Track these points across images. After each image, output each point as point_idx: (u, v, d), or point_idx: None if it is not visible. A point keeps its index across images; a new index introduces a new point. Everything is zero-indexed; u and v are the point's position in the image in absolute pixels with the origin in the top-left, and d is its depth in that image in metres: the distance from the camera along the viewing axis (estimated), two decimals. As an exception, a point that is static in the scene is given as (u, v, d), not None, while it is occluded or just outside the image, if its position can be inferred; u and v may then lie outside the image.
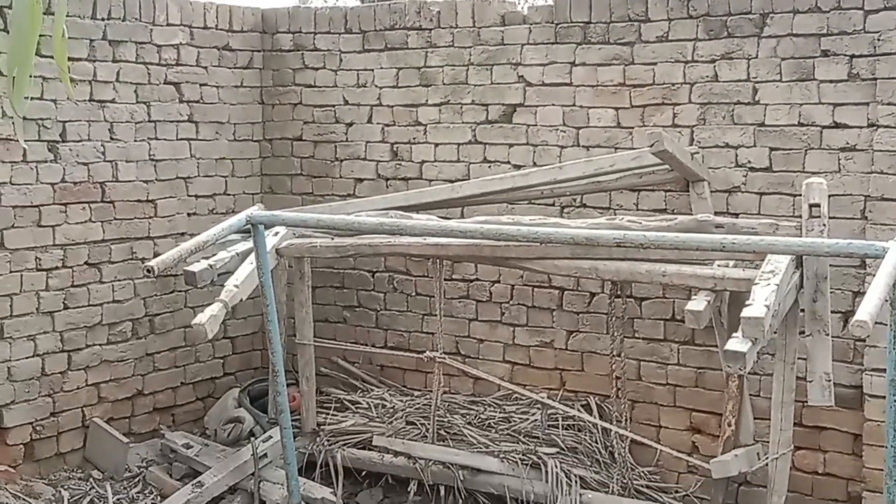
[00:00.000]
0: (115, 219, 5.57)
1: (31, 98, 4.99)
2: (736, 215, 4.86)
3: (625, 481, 4.92)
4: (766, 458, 4.49)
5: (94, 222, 5.48)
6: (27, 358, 5.23)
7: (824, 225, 4.20)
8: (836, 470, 4.79)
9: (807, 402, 4.40)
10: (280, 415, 4.66)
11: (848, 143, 4.67)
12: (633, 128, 5.20)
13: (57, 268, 5.33)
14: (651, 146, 4.55)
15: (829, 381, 4.23)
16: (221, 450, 5.43)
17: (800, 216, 4.38)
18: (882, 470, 3.60)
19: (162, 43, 5.71)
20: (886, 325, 3.49)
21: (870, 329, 2.98)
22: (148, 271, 4.14)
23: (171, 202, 5.84)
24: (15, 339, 5.17)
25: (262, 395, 5.86)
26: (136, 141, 5.64)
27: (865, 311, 3.12)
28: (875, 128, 4.57)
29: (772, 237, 4.03)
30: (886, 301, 3.48)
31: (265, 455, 5.14)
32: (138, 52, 5.60)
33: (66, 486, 5.23)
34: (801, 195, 4.37)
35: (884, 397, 3.95)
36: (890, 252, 3.28)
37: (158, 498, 5.18)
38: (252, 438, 5.39)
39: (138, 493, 5.27)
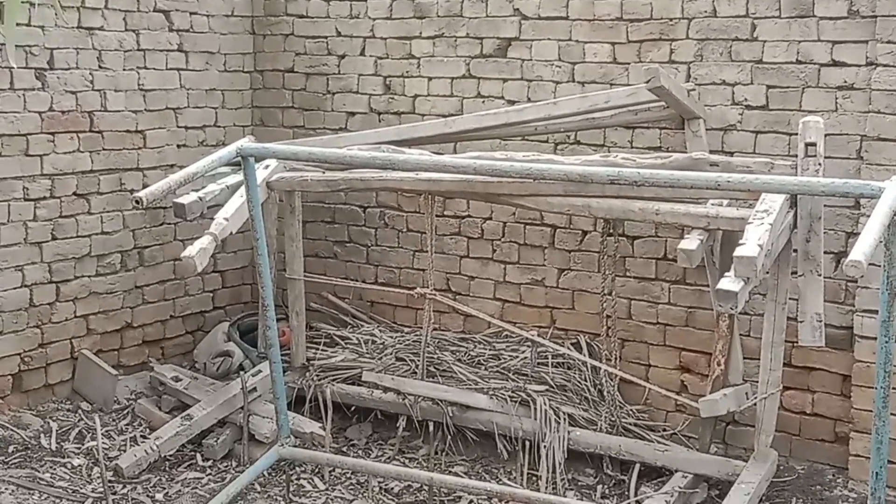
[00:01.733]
0: (104, 149, 5.50)
1: (19, 24, 4.90)
2: (731, 154, 4.81)
3: (613, 419, 4.92)
4: (755, 398, 4.50)
5: (83, 152, 5.42)
6: (15, 289, 5.20)
7: (819, 164, 4.16)
8: (824, 410, 4.80)
9: (797, 342, 4.40)
10: (269, 349, 4.65)
11: (846, 82, 4.61)
12: (629, 63, 5.12)
13: (45, 198, 5.28)
14: (647, 82, 4.49)
15: (820, 321, 4.22)
16: (210, 383, 5.43)
17: (795, 155, 4.34)
18: (870, 411, 3.60)
19: (151, -32, 5.61)
20: (879, 266, 3.46)
21: (863, 269, 2.95)
22: (136, 202, 4.09)
23: (160, 133, 5.77)
24: (2, 269, 5.14)
25: (251, 330, 5.84)
26: (124, 70, 5.55)
27: (860, 250, 3.09)
28: (874, 66, 4.51)
29: (766, 176, 3.98)
30: (880, 242, 3.45)
31: (254, 389, 5.13)
32: (127, -23, 5.50)
33: (54, 418, 5.23)
34: (797, 134, 4.33)
35: (874, 339, 3.94)
36: (885, 192, 3.24)
37: (147, 430, 5.18)
38: (241, 372, 5.39)
39: (127, 426, 5.27)
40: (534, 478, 4.78)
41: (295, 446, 4.80)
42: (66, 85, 5.31)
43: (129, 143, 5.62)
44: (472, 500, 4.66)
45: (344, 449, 5.18)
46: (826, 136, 4.32)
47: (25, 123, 5.16)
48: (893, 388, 3.85)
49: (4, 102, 5.06)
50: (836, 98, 4.63)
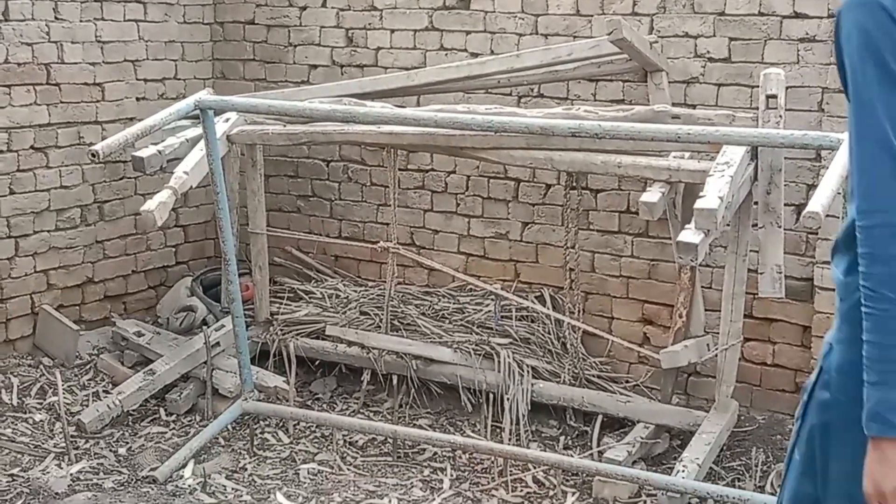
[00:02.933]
0: (62, 102, 5.42)
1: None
2: (693, 107, 4.81)
3: (576, 371, 4.95)
4: (716, 350, 4.54)
5: (40, 105, 5.33)
6: (-28, 244, 5.15)
7: (780, 116, 4.17)
8: (784, 361, 4.85)
9: (758, 294, 4.43)
10: (232, 304, 4.63)
11: (807, 34, 4.61)
12: (592, 16, 5.10)
13: (2, 151, 5.20)
14: (609, 34, 4.47)
15: (781, 273, 4.25)
16: (173, 338, 5.41)
17: (757, 108, 4.35)
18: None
19: (108, -83, 5.51)
20: (838, 217, 3.50)
21: (821, 220, 2.98)
22: (93, 155, 4.06)
23: (119, 86, 5.69)
24: (-41, 224, 5.08)
25: (215, 285, 5.81)
26: (81, 21, 5.45)
27: (817, 202, 3.12)
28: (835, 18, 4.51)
29: (727, 128, 3.99)
30: (838, 193, 3.48)
31: (217, 343, 5.11)
32: (83, -74, 5.40)
33: (15, 373, 5.19)
34: (758, 87, 4.33)
35: (833, 290, 3.98)
36: (843, 144, 3.26)
37: (110, 385, 5.16)
38: (204, 327, 5.37)
39: (89, 381, 5.25)
40: (498, 430, 4.81)
41: (259, 400, 4.80)
42: (22, 36, 5.21)
43: (87, 96, 5.53)
44: (435, 453, 4.69)
45: (308, 403, 5.19)
46: (788, 88, 4.32)
47: (-20, 76, 5.08)
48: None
49: (-42, 54, 4.98)
50: (798, 50, 4.63)
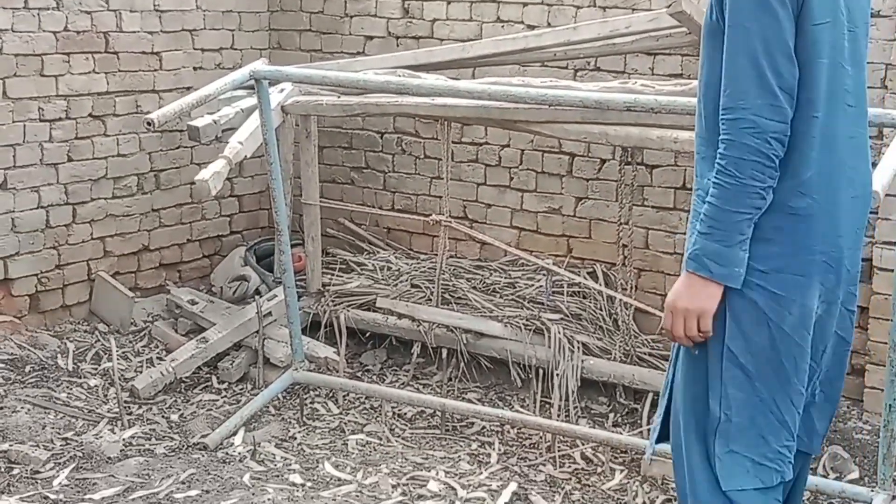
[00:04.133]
0: (120, 70, 5.47)
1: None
2: (753, 82, 4.71)
3: (627, 349, 4.91)
4: (770, 329, 4.46)
5: (98, 73, 5.38)
6: (31, 209, 5.20)
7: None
8: (840, 343, 4.76)
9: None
10: (284, 274, 4.65)
11: (872, 9, 4.48)
12: (651, -12, 5.02)
13: (60, 119, 5.26)
14: (668, 7, 4.40)
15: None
16: (226, 307, 5.45)
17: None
18: (886, 343, 3.57)
19: None
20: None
21: (881, 200, 2.91)
22: (148, 124, 4.08)
23: (176, 55, 5.72)
24: (18, 189, 5.14)
25: (268, 255, 5.84)
26: (140, -10, 5.51)
27: (878, 182, 3.05)
28: (903, -7, 4.40)
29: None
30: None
31: (269, 313, 5.14)
32: None
33: (71, 339, 5.27)
34: (821, 62, 4.23)
35: (892, 270, 3.90)
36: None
37: (164, 352, 5.22)
38: (257, 297, 5.40)
39: (143, 347, 5.31)
40: (547, 405, 4.79)
41: (309, 370, 4.83)
42: (82, 5, 5.26)
43: (144, 65, 5.58)
44: (483, 427, 4.68)
45: (358, 374, 5.21)
46: (851, 64, 4.22)
47: (40, 43, 5.12)
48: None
49: (19, 22, 5.02)
50: (863, 25, 4.52)
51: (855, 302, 2.67)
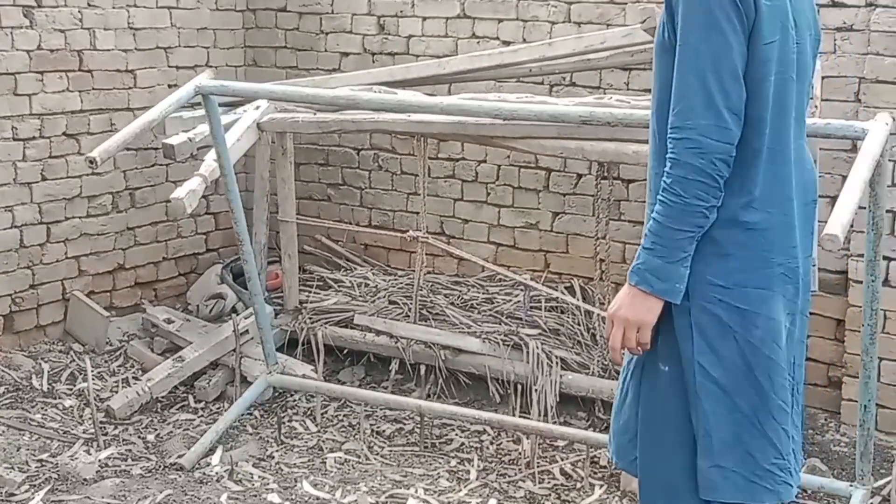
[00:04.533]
0: (94, 89, 5.44)
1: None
2: (727, 96, 4.74)
3: (605, 363, 4.91)
4: (747, 343, 4.47)
5: (72, 91, 5.35)
6: (4, 229, 5.16)
7: (816, 107, 4.09)
8: (817, 355, 4.78)
9: (791, 287, 4.35)
10: (249, 281, 4.61)
11: (845, 23, 4.53)
12: (625, 4, 5.05)
13: (34, 138, 5.23)
14: (643, 22, 4.41)
15: (814, 266, 4.17)
16: (203, 325, 5.41)
17: (792, 98, 4.27)
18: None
19: None
20: (866, 208, 3.43)
21: (840, 243, 2.93)
22: (90, 162, 3.96)
23: (151, 73, 5.70)
24: (-8, 210, 5.11)
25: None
26: (114, 8, 5.47)
27: (837, 224, 3.00)
28: (873, 7, 4.43)
29: (762, 118, 3.92)
30: (862, 208, 3.40)
31: (246, 331, 5.11)
32: None
33: (45, 359, 5.22)
34: (794, 76, 4.25)
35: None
36: (870, 134, 3.19)
37: (139, 372, 5.18)
38: (234, 315, 5.37)
39: (119, 367, 5.27)
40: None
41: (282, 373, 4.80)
42: (55, 23, 5.23)
43: (119, 83, 5.55)
44: (462, 443, 4.66)
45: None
46: (824, 78, 4.25)
47: (13, 62, 5.09)
48: (883, 333, 3.83)
49: (-8, 41, 5.00)
50: (835, 39, 4.56)
51: (809, 308, 2.70)
